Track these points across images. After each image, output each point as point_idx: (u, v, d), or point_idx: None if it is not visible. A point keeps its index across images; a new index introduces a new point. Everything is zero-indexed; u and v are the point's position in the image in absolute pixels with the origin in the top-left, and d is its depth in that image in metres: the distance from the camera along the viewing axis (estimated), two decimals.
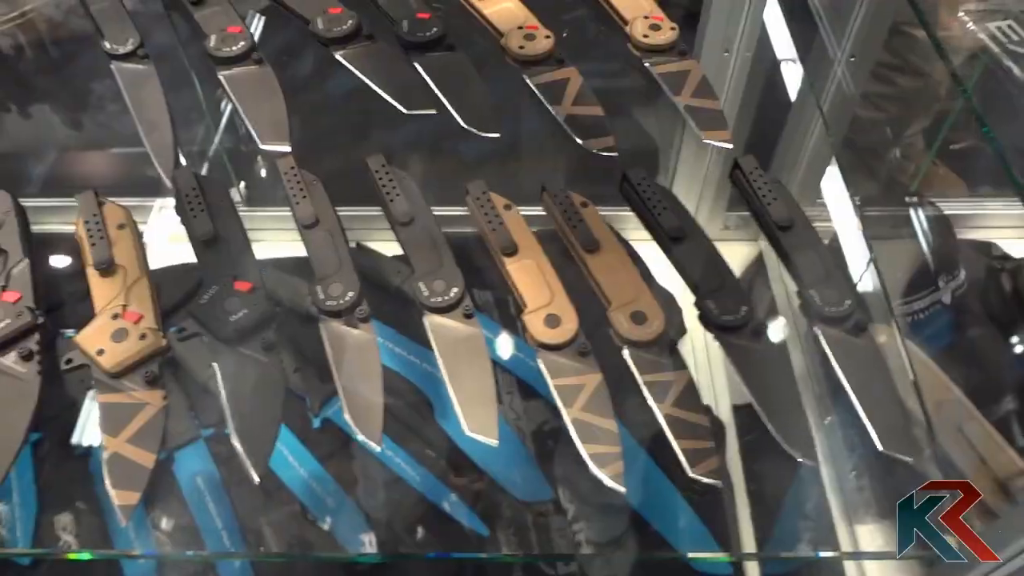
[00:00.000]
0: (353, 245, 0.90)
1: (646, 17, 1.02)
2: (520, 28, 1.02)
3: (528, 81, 0.99)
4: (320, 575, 1.02)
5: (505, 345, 0.99)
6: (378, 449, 0.72)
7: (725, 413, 0.98)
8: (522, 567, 1.04)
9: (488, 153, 1.07)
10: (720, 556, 0.97)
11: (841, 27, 1.18)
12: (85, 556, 0.91)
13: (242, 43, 1.02)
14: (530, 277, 0.81)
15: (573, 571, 1.02)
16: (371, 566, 1.00)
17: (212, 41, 1.02)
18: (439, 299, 0.79)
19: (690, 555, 0.93)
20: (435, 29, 1.02)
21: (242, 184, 1.14)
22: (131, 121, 0.97)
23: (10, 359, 0.76)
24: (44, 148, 1.17)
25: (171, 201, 0.91)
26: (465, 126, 0.95)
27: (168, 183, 0.90)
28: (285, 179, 0.89)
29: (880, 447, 0.72)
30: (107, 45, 1.04)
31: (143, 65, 1.03)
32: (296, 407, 0.96)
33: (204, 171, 1.06)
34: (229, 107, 1.05)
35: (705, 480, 0.70)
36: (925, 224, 1.23)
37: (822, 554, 0.94)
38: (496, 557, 0.95)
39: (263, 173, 0.98)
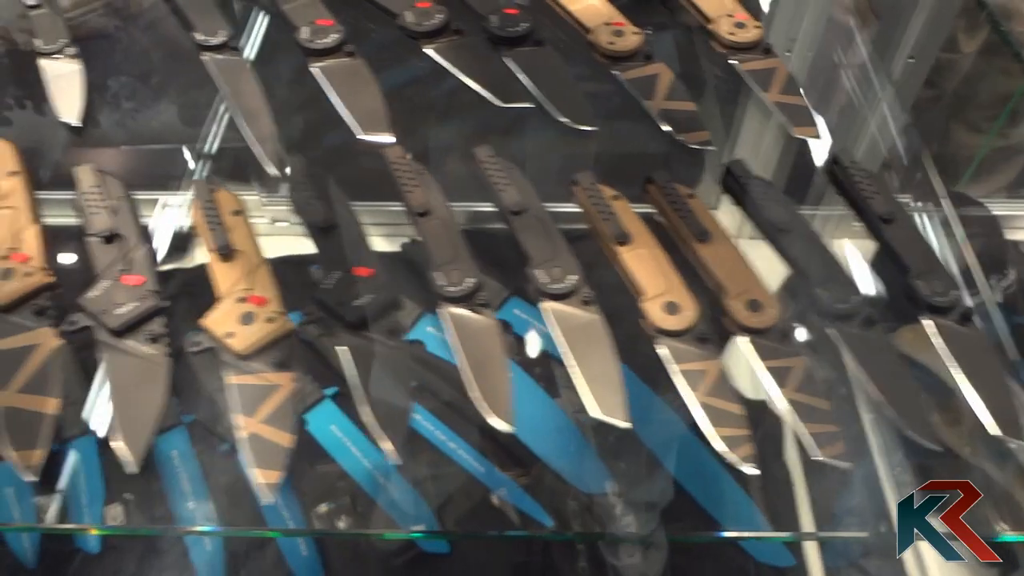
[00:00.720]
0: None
1: (730, 15, 1.05)
2: (607, 24, 1.04)
3: (619, 76, 1.01)
4: (384, 560, 1.02)
5: None
6: (510, 430, 0.73)
7: None
8: (587, 560, 1.05)
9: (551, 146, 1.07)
10: (778, 536, 0.97)
11: (901, 28, 1.21)
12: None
13: (334, 35, 1.03)
14: (645, 265, 0.83)
15: (635, 561, 1.03)
16: (434, 556, 1.00)
17: (304, 33, 1.03)
18: (559, 286, 0.81)
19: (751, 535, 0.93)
20: (524, 24, 1.03)
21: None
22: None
23: (139, 341, 0.76)
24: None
25: (176, 198, 0.92)
26: (561, 119, 0.96)
27: (276, 171, 0.90)
28: (394, 169, 0.90)
29: (996, 431, 0.74)
30: (198, 36, 1.04)
31: (235, 56, 1.04)
32: None
33: None
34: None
35: (833, 463, 0.72)
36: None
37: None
38: (553, 536, 0.95)
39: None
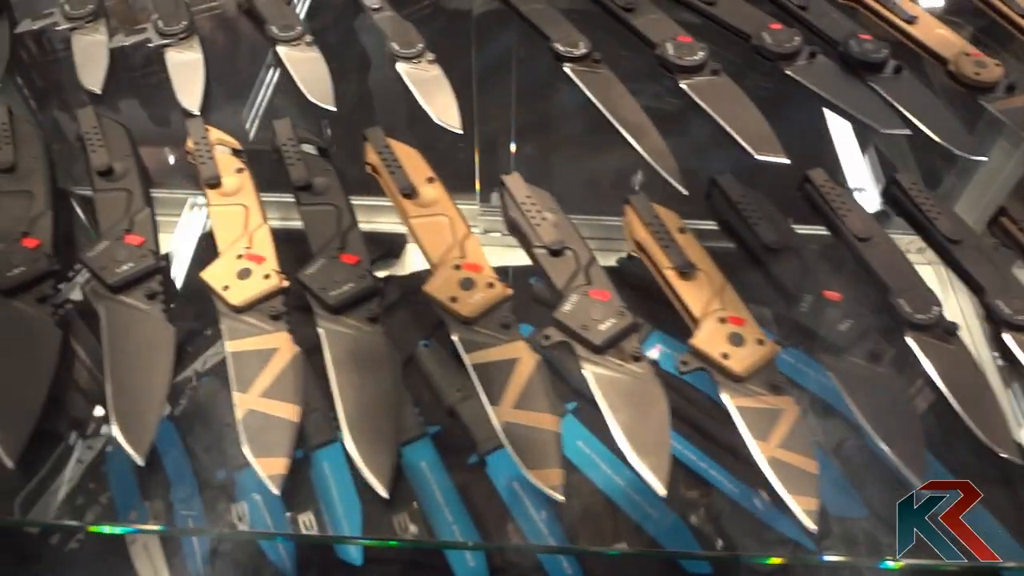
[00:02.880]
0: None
1: (967, 54, 1.02)
2: (967, 54, 1.03)
3: (988, 106, 1.00)
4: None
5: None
6: None
7: None
8: None
9: None
10: None
11: None
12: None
13: (700, 53, 1.01)
14: None
15: None
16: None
17: (669, 49, 1.01)
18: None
19: None
20: (884, 51, 1.03)
21: None
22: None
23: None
24: None
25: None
26: (946, 146, 0.95)
27: (684, 190, 0.88)
28: (826, 192, 0.87)
29: None
30: (559, 47, 1.02)
31: (598, 69, 1.02)
32: None
33: None
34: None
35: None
36: None
37: None
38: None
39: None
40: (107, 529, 0.82)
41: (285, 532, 0.78)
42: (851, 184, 0.98)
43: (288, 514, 0.78)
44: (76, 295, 0.84)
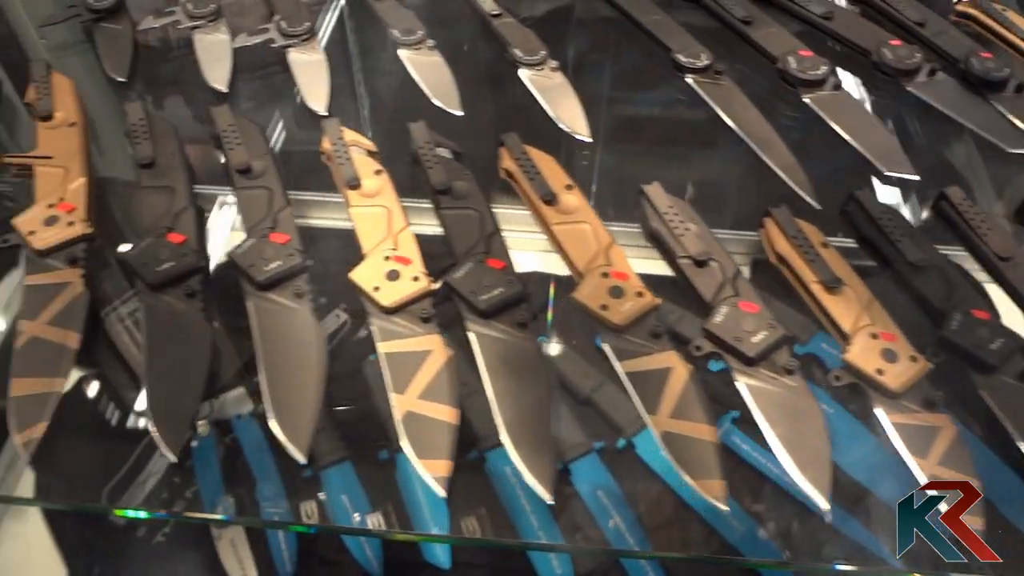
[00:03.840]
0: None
1: None
2: None
3: None
4: None
5: None
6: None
7: None
8: None
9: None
10: None
11: None
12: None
13: (823, 67, 1.01)
14: None
15: None
16: None
17: (791, 63, 1.01)
18: None
19: None
20: (1006, 69, 1.02)
21: None
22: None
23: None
24: None
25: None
26: None
27: (817, 205, 0.88)
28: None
29: None
30: (682, 58, 1.02)
31: (722, 81, 1.02)
32: None
33: None
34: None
35: None
36: None
37: None
38: None
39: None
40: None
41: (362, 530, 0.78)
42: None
43: (361, 515, 0.78)
44: None
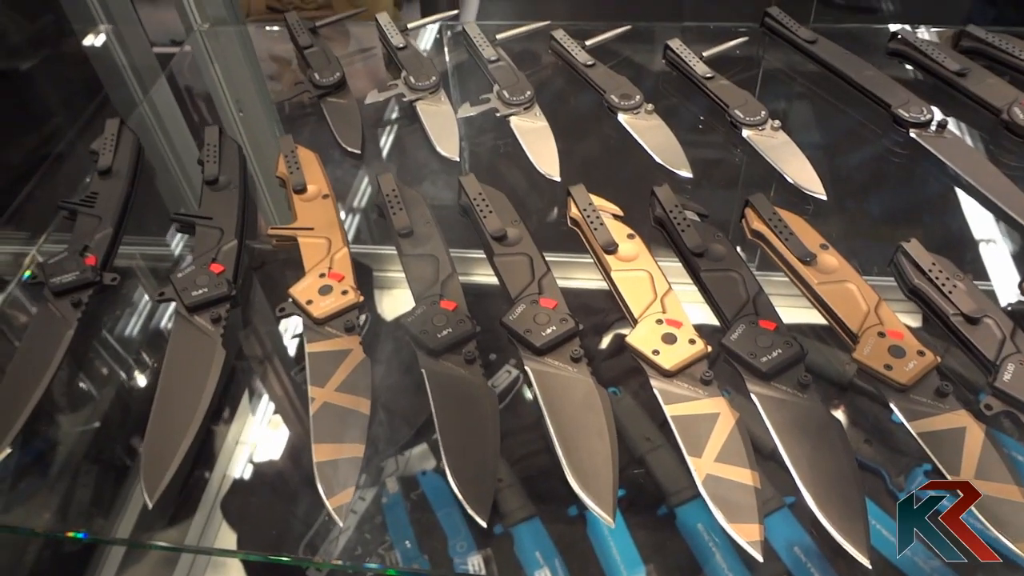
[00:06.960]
0: None
1: None
2: None
3: None
4: None
5: None
6: None
7: None
8: None
9: None
10: None
11: None
12: None
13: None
14: None
15: None
16: None
17: (1019, 114, 1.01)
18: None
19: None
20: None
21: None
22: None
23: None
24: None
25: None
26: None
27: None
28: None
29: None
30: (904, 114, 1.03)
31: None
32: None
33: None
34: None
35: None
36: None
37: None
38: None
39: None
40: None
41: None
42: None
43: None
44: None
